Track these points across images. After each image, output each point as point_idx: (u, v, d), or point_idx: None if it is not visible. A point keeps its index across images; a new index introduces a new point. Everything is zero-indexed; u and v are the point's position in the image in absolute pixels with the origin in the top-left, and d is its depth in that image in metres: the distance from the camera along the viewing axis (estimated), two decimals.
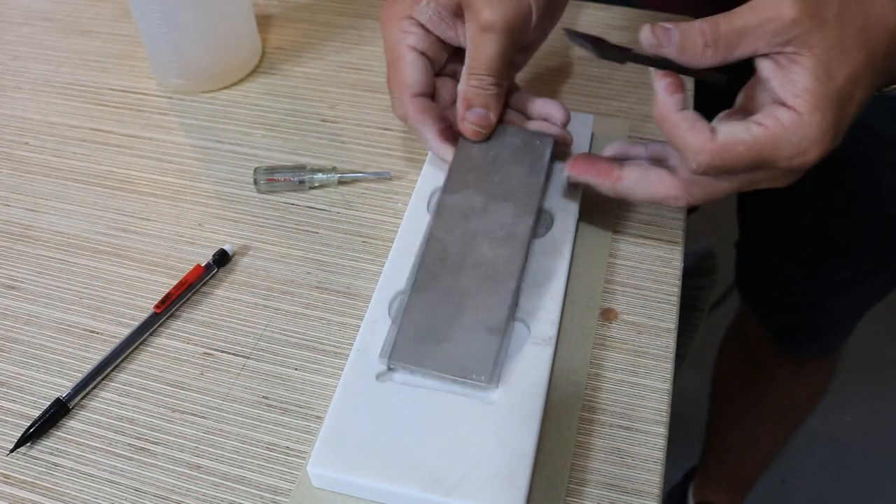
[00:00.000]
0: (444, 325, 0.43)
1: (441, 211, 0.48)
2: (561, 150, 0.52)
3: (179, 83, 0.64)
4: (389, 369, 0.43)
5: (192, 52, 0.61)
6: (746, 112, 0.43)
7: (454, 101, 0.51)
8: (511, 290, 0.44)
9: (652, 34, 0.42)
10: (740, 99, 0.45)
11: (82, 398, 0.45)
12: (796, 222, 0.80)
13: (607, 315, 0.48)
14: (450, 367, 0.41)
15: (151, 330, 0.48)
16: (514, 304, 0.44)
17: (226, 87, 0.64)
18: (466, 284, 0.45)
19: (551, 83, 0.63)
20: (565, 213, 0.50)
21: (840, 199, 0.74)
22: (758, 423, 1.10)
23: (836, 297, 0.85)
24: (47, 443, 0.44)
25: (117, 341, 0.47)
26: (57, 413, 0.44)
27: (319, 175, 0.56)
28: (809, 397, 1.06)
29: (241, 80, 0.65)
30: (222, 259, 0.51)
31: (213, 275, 0.51)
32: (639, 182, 0.45)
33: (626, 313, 0.48)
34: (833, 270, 0.81)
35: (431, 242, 0.47)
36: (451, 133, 0.50)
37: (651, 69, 0.43)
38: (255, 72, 0.66)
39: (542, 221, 0.50)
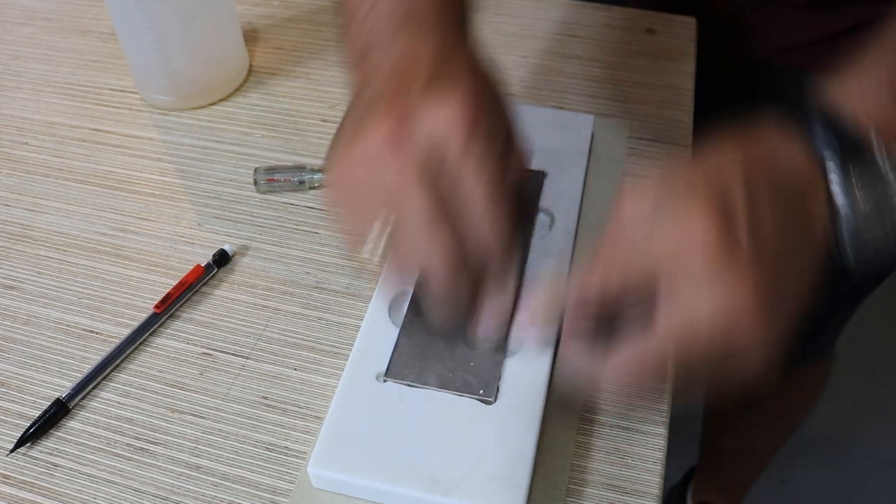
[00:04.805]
0: (443, 344, 0.43)
1: None
2: None
3: (167, 100, 0.62)
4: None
5: (180, 67, 0.60)
6: None
7: None
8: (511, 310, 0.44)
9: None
10: None
11: (82, 398, 0.45)
12: None
13: None
14: (453, 384, 0.42)
15: (151, 330, 0.48)
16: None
17: (213, 104, 0.63)
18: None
19: (551, 84, 0.63)
20: (565, 214, 0.50)
21: None
22: (752, 427, 1.09)
23: (815, 299, 0.84)
24: (47, 443, 0.44)
25: (117, 341, 0.47)
26: (57, 413, 0.44)
27: (319, 175, 0.56)
28: (802, 402, 1.06)
29: (243, 82, 0.65)
30: (222, 259, 0.51)
31: (213, 275, 0.51)
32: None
33: None
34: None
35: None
36: None
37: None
38: (256, 72, 0.66)
39: (542, 222, 0.50)
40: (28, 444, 0.43)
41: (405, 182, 0.36)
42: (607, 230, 0.38)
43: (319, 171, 0.56)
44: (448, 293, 0.38)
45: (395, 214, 0.37)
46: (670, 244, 0.34)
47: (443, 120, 0.36)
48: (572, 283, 0.37)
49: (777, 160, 0.36)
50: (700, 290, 0.32)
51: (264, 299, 0.50)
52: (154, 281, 0.51)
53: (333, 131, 0.60)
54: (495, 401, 0.41)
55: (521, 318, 0.42)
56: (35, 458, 0.43)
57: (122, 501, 0.41)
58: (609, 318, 0.37)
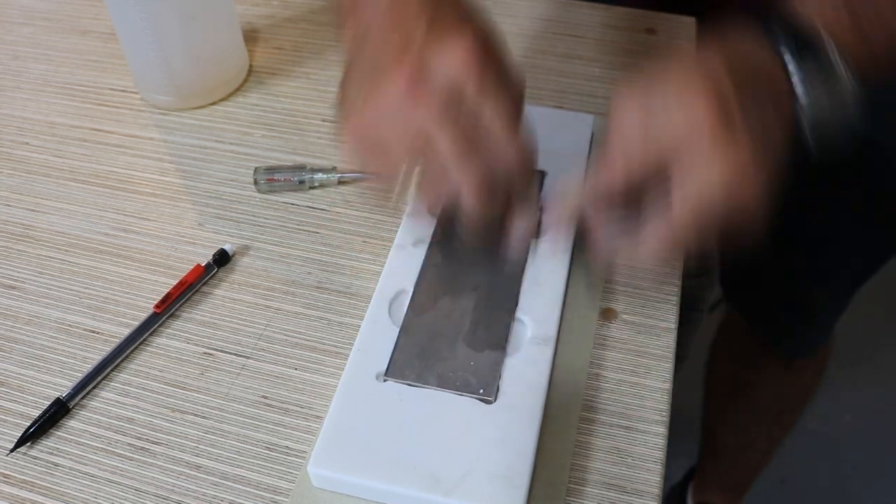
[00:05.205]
0: (444, 342, 0.43)
1: (436, 241, 0.49)
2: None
3: (167, 100, 0.62)
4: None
5: (180, 67, 0.60)
6: None
7: None
8: (512, 309, 0.45)
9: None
10: None
11: (82, 398, 0.45)
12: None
13: (607, 315, 0.48)
14: (453, 383, 0.42)
15: (151, 330, 0.48)
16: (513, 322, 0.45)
17: (213, 104, 0.63)
18: (466, 305, 0.45)
19: (551, 84, 0.63)
20: None
21: (806, 191, 0.73)
22: (750, 424, 1.09)
23: (807, 291, 0.84)
24: (47, 443, 0.44)
25: (117, 341, 0.47)
26: (57, 413, 0.44)
27: (319, 175, 0.56)
28: (799, 399, 1.06)
29: (243, 82, 0.65)
30: (222, 259, 0.51)
31: (213, 275, 0.51)
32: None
33: (626, 313, 0.48)
34: (804, 262, 0.81)
35: (428, 269, 0.47)
36: None
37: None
38: (256, 72, 0.66)
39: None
40: (28, 444, 0.43)
41: (431, 123, 0.40)
42: (611, 126, 0.42)
43: (320, 170, 0.56)
44: (481, 216, 0.42)
45: (426, 154, 0.41)
46: (679, 128, 0.39)
47: (455, 63, 0.40)
48: (595, 177, 0.43)
49: (749, 58, 0.41)
50: (710, 161, 0.38)
51: (265, 299, 0.50)
52: (155, 281, 0.51)
53: (334, 131, 0.60)
54: (495, 400, 0.41)
55: (547, 217, 0.47)
56: (35, 458, 0.43)
57: (122, 501, 0.41)
58: (631, 203, 0.42)
